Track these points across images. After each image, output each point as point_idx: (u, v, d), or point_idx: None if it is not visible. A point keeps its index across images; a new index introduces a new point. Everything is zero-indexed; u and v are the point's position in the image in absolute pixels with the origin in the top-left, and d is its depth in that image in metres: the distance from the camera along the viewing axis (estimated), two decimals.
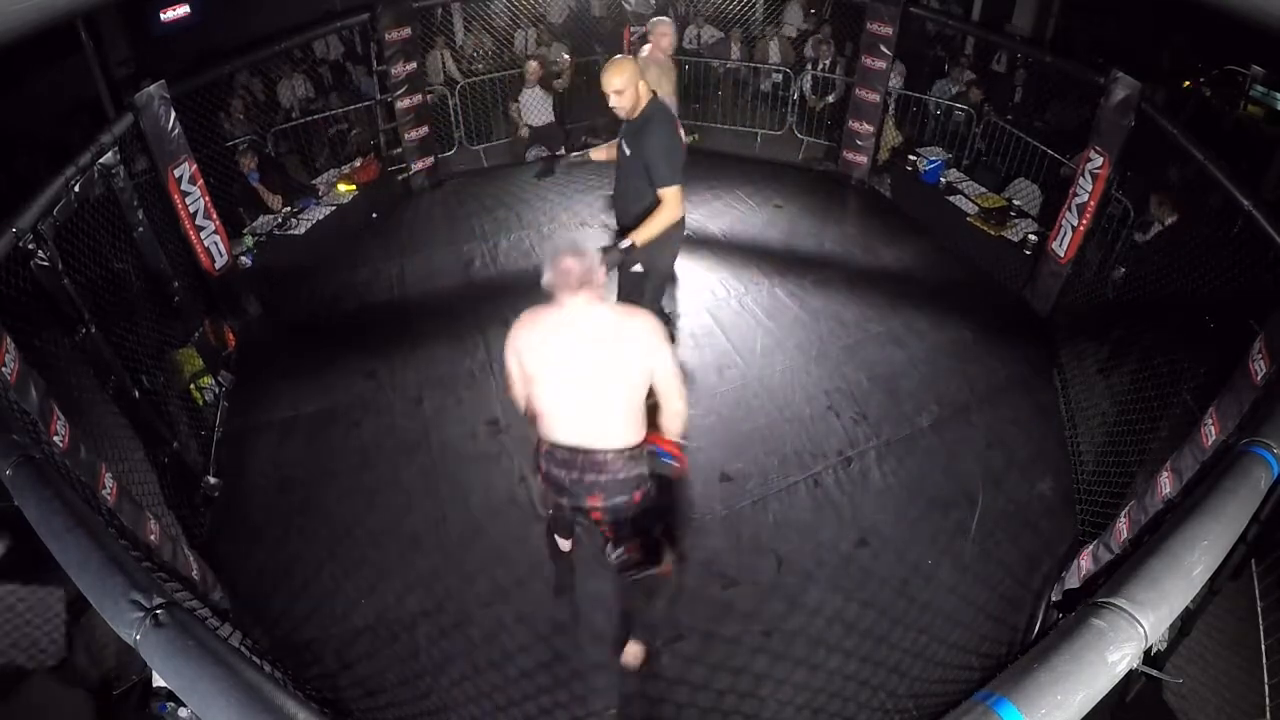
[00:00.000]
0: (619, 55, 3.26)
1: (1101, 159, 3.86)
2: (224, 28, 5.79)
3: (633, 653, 2.71)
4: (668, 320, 3.73)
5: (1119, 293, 3.81)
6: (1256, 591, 2.68)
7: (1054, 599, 2.88)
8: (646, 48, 4.27)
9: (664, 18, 4.32)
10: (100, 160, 3.15)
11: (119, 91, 4.92)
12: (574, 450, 2.18)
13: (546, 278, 2.05)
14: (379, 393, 3.93)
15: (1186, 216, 3.77)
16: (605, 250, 2.87)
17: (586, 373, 2.08)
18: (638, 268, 3.22)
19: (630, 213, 3.09)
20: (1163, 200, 3.83)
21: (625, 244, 2.91)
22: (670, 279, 3.65)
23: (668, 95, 4.24)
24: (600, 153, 3.54)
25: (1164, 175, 4.04)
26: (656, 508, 2.37)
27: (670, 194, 2.91)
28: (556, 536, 2.89)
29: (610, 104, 2.92)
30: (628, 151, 3.02)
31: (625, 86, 2.85)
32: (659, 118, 2.95)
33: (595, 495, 2.24)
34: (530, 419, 2.30)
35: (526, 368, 2.16)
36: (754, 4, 6.95)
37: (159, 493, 3.05)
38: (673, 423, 2.25)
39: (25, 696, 2.54)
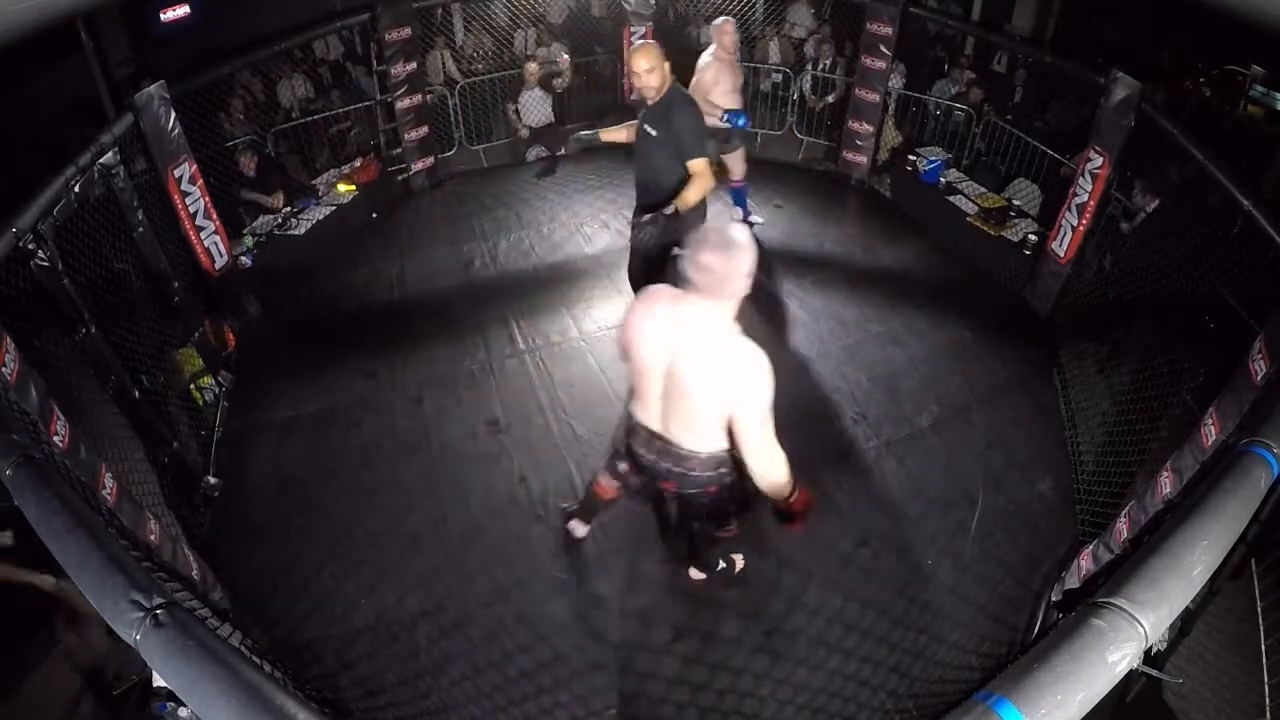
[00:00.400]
0: (645, 40, 3.34)
1: (1101, 159, 3.86)
2: (224, 28, 5.78)
3: (695, 576, 2.90)
4: None
5: (1119, 292, 3.81)
6: (1256, 591, 2.68)
7: (1054, 599, 2.88)
8: (712, 48, 4.42)
9: (727, 17, 4.46)
10: (100, 160, 3.15)
11: (119, 91, 4.92)
12: (655, 435, 2.19)
13: (683, 262, 1.85)
14: (379, 393, 3.93)
15: (1166, 201, 3.79)
16: (650, 220, 3.14)
17: (677, 378, 1.97)
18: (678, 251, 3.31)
19: (658, 191, 3.25)
20: (1145, 188, 3.86)
21: (669, 210, 3.08)
22: None
23: (729, 93, 4.40)
24: (612, 133, 3.59)
25: (1164, 175, 4.04)
26: (735, 496, 2.38)
27: (702, 165, 3.12)
28: (575, 521, 2.91)
29: (638, 84, 3.10)
30: (653, 132, 3.16)
31: (654, 66, 3.03)
32: (681, 99, 3.15)
33: (670, 482, 2.27)
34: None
35: (630, 344, 2.06)
36: (754, 4, 6.95)
37: (159, 493, 3.05)
38: (761, 486, 2.06)
39: (25, 696, 2.55)
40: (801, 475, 3.36)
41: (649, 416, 2.17)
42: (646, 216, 3.19)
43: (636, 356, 2.06)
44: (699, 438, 2.10)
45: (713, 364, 1.90)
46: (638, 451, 2.29)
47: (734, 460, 2.19)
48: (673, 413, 2.08)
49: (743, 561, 2.97)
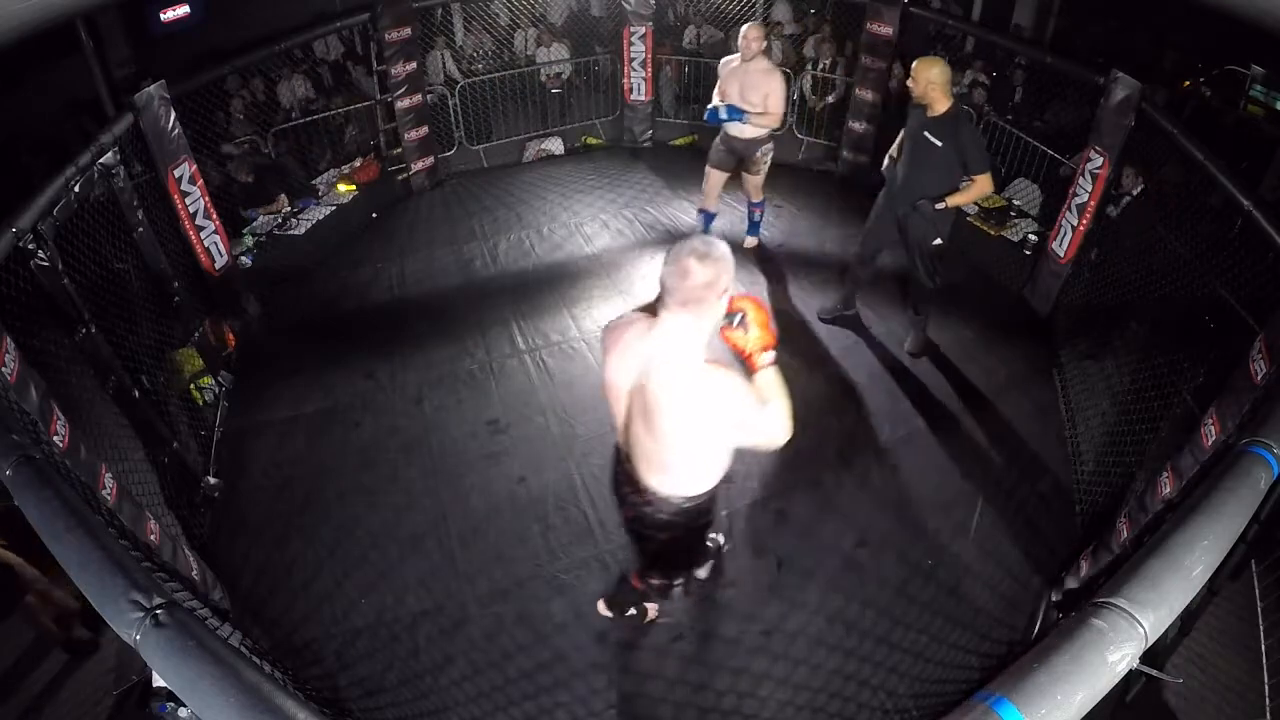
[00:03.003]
0: (929, 56, 3.54)
1: (1101, 159, 3.86)
2: (224, 28, 5.78)
3: (602, 611, 2.83)
4: (935, 294, 3.89)
5: (1119, 292, 3.81)
6: (1256, 591, 2.68)
7: (1054, 599, 2.88)
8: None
9: (750, 23, 4.29)
10: (100, 160, 3.15)
11: (119, 91, 4.91)
12: (628, 459, 2.07)
13: (661, 274, 1.73)
14: (379, 393, 3.93)
15: (1151, 183, 3.80)
16: (920, 202, 3.46)
17: (648, 403, 1.82)
18: (938, 241, 3.62)
19: (912, 190, 3.54)
20: (1130, 171, 3.87)
21: (940, 205, 3.44)
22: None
23: (732, 97, 4.23)
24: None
25: (1149, 160, 4.03)
26: (685, 557, 2.29)
27: (988, 178, 3.43)
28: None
29: (920, 91, 3.37)
30: (938, 142, 3.40)
31: (938, 80, 3.32)
32: (966, 116, 3.52)
33: (629, 510, 2.19)
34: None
35: (606, 365, 1.92)
36: (754, 4, 6.95)
37: (159, 493, 3.05)
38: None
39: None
40: (801, 475, 3.39)
41: (622, 439, 2.04)
42: (921, 201, 3.48)
43: (609, 377, 1.92)
44: (663, 475, 1.96)
45: (685, 392, 1.75)
46: (618, 472, 2.19)
47: (697, 517, 2.11)
48: (639, 440, 1.93)
49: (655, 613, 2.83)
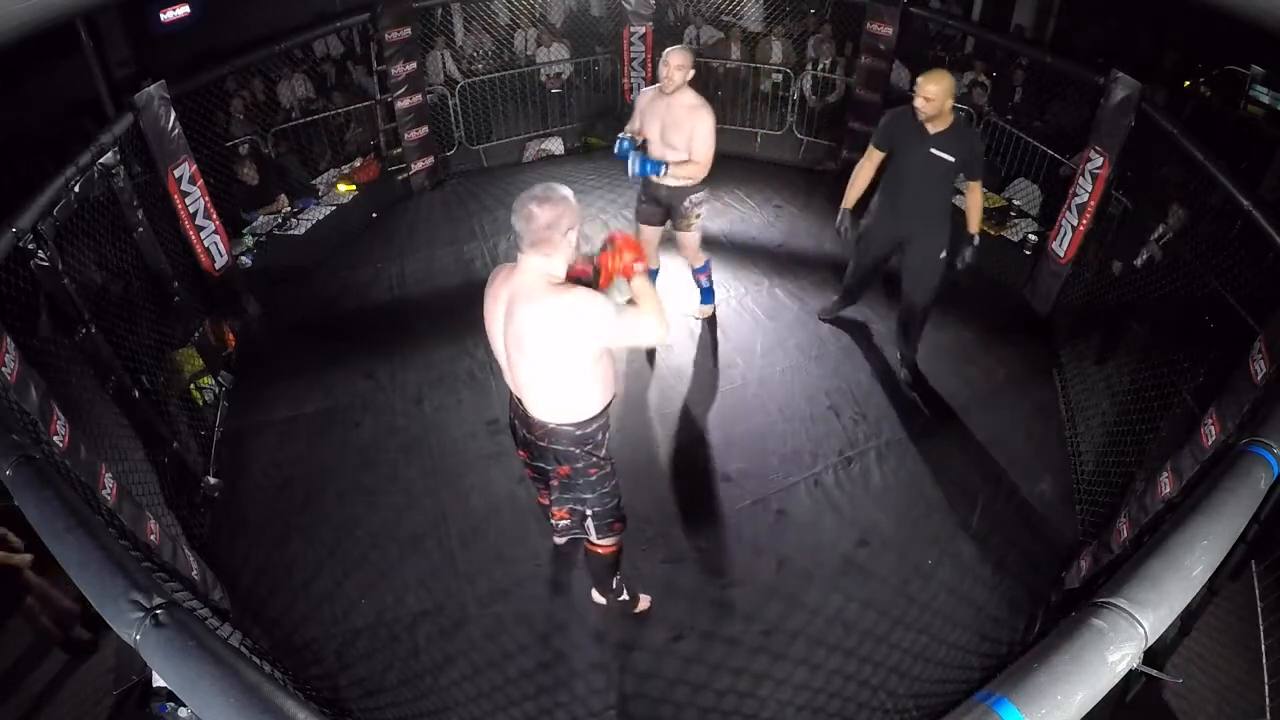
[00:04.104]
0: (935, 69, 3.34)
1: (1101, 159, 3.86)
2: (224, 28, 5.77)
3: (595, 599, 2.86)
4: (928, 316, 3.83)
5: (1119, 292, 3.81)
6: (1256, 591, 2.68)
7: (1054, 599, 2.88)
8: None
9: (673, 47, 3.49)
10: (100, 160, 3.14)
11: (119, 91, 4.91)
12: (517, 400, 2.26)
13: (512, 221, 1.95)
14: (379, 393, 3.93)
15: (1193, 217, 3.80)
16: (964, 259, 3.52)
17: (516, 338, 2.04)
18: (944, 254, 3.56)
19: (923, 211, 3.47)
20: (1179, 211, 3.85)
21: (976, 241, 3.51)
22: None
23: (654, 141, 3.59)
24: (855, 194, 3.74)
25: (1164, 176, 4.03)
26: (592, 494, 2.34)
27: (979, 184, 3.43)
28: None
29: (929, 109, 3.17)
30: (950, 158, 3.27)
31: (944, 92, 3.15)
32: (970, 125, 3.49)
33: (525, 450, 2.38)
34: None
35: (486, 322, 2.18)
36: (753, 3, 6.95)
37: (159, 493, 3.05)
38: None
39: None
40: (801, 475, 3.40)
41: (510, 380, 2.23)
42: (963, 256, 3.52)
43: (487, 325, 2.17)
44: (543, 405, 2.16)
45: (540, 314, 1.95)
46: (510, 416, 2.39)
47: (590, 450, 2.24)
48: (520, 376, 2.13)
49: (647, 603, 2.86)
